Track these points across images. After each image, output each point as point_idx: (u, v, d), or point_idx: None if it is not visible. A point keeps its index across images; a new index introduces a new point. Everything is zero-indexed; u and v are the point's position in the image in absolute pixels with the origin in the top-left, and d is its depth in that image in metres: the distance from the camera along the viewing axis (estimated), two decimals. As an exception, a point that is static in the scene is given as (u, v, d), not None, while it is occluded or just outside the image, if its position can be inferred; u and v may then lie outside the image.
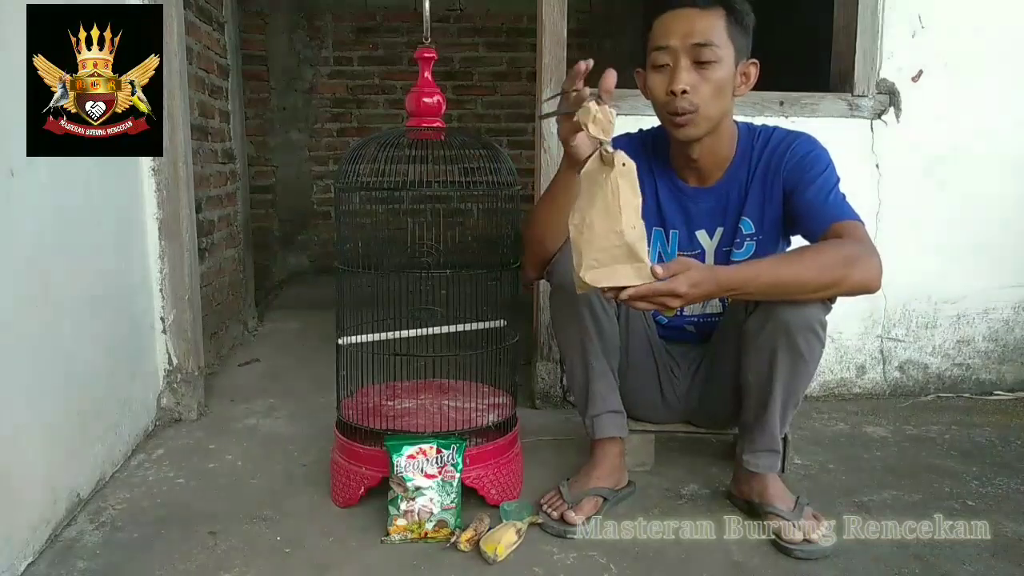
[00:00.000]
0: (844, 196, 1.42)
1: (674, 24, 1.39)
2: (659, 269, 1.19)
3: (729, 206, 1.53)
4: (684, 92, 1.38)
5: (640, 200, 1.18)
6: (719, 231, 1.55)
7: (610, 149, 1.15)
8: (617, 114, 1.18)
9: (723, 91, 1.41)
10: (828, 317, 1.39)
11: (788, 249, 1.52)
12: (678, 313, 1.59)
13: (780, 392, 1.42)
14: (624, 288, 1.19)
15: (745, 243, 1.53)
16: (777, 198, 1.49)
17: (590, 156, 1.19)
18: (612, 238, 1.17)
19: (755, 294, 1.32)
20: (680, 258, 1.31)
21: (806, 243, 1.43)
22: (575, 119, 1.20)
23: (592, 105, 1.16)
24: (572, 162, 1.34)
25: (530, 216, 1.52)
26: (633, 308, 1.25)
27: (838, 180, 1.44)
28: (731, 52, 1.40)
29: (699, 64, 1.38)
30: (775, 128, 1.53)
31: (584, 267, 1.19)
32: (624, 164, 1.16)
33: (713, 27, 1.38)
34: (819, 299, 1.35)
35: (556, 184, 1.43)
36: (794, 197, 1.45)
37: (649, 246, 1.55)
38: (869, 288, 1.32)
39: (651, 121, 1.57)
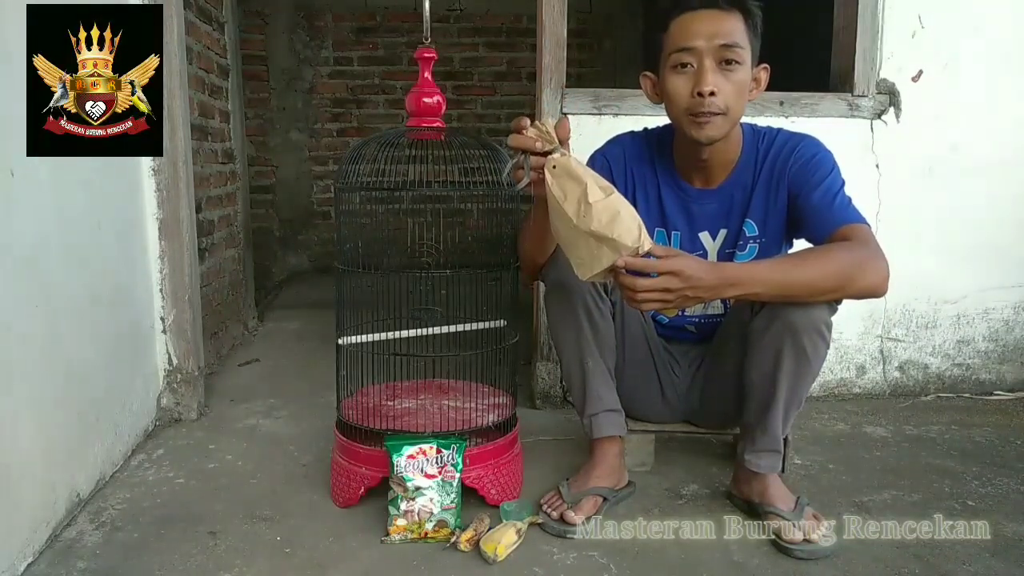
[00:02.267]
0: (850, 199, 1.41)
1: (698, 25, 1.37)
2: (647, 241, 1.20)
3: (733, 208, 1.52)
4: (712, 94, 1.37)
5: (585, 183, 1.20)
6: (722, 233, 1.54)
7: (554, 155, 1.22)
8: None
9: (744, 93, 1.41)
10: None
11: (791, 251, 1.52)
12: (680, 313, 1.59)
13: (784, 392, 1.42)
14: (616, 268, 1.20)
15: (748, 245, 1.52)
16: (782, 201, 1.48)
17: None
18: (573, 233, 1.22)
19: (759, 293, 1.31)
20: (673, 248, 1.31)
21: (809, 246, 1.42)
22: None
23: (529, 125, 1.24)
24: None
25: (518, 240, 1.53)
26: (636, 298, 1.22)
27: (843, 183, 1.43)
28: (749, 55, 1.40)
29: (724, 65, 1.37)
30: (779, 130, 1.53)
31: (576, 267, 1.26)
32: (555, 167, 1.22)
33: (735, 29, 1.37)
34: (824, 301, 1.34)
35: (533, 214, 1.44)
36: (799, 200, 1.44)
37: (653, 240, 1.55)
38: (876, 292, 1.31)
39: (651, 121, 1.57)
